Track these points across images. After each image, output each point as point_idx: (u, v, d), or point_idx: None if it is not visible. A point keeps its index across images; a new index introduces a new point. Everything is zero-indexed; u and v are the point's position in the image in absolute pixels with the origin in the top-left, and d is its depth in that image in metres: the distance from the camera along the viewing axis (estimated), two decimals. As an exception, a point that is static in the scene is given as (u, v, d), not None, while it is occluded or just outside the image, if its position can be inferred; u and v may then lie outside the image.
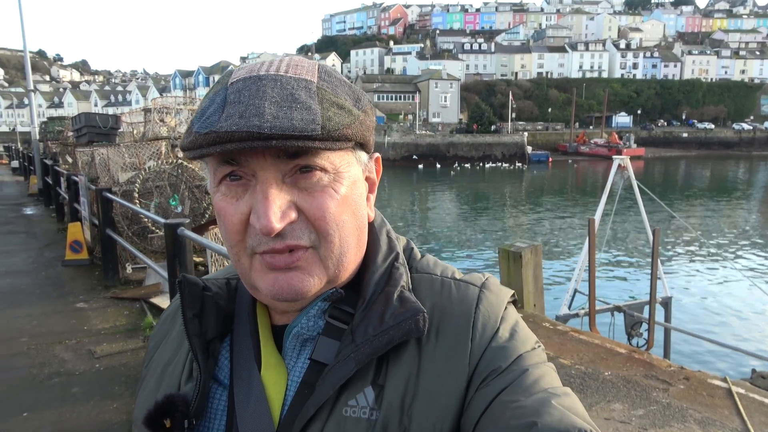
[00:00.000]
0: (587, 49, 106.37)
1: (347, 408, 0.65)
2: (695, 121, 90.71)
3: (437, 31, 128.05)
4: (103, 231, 6.63)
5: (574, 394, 0.65)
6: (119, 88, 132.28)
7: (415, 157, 63.79)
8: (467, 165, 62.83)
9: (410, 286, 0.73)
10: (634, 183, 9.56)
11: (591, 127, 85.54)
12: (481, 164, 63.30)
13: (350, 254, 0.69)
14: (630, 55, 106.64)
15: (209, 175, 0.68)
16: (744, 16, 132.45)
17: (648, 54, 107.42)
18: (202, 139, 0.60)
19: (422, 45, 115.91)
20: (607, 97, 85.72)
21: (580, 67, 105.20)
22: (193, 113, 9.19)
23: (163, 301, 5.81)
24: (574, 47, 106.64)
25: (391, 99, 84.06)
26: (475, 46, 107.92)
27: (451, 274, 0.76)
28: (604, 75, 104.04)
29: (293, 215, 0.63)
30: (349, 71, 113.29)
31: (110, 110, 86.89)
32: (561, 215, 31.40)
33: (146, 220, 6.48)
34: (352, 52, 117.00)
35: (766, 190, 45.78)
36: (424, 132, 70.22)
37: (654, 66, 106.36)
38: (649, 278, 8.24)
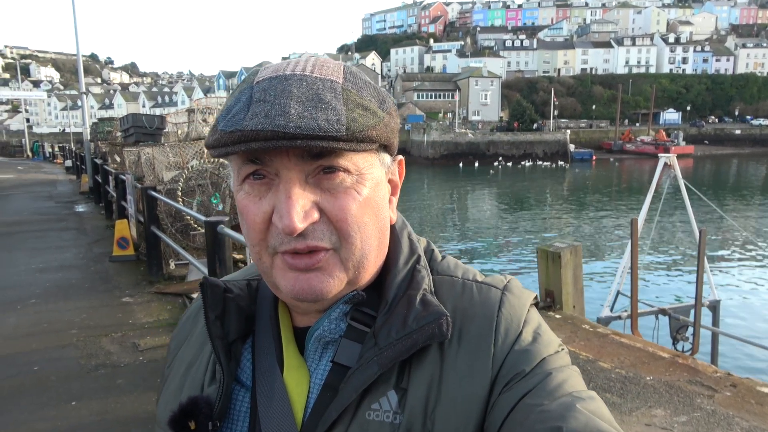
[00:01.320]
0: (634, 44, 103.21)
1: (370, 411, 0.65)
2: (749, 117, 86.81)
3: (478, 29, 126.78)
4: (148, 228, 6.86)
5: (600, 398, 0.64)
6: (166, 90, 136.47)
7: (445, 155, 63.36)
8: (508, 164, 61.96)
9: (432, 289, 0.72)
10: (681, 182, 9.23)
11: (637, 125, 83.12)
12: (522, 163, 62.31)
13: (371, 256, 0.69)
14: (679, 49, 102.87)
15: (233, 174, 0.69)
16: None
17: (698, 48, 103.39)
18: (227, 138, 0.61)
19: (462, 42, 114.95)
20: (655, 94, 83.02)
21: (627, 62, 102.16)
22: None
23: (204, 297, 5.97)
24: (620, 42, 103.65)
25: (431, 97, 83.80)
26: (517, 43, 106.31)
27: (473, 276, 0.76)
28: (652, 70, 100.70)
29: (315, 216, 0.64)
30: (389, 70, 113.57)
31: (157, 111, 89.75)
32: (604, 215, 30.62)
33: (189, 217, 6.67)
34: (392, 51, 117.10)
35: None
36: (463, 130, 69.64)
37: (705, 60, 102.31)
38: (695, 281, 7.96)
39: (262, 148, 0.60)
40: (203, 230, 6.76)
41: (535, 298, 0.75)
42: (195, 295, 6.19)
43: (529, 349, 0.67)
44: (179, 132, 8.95)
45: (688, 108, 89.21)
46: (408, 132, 67.69)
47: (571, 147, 66.44)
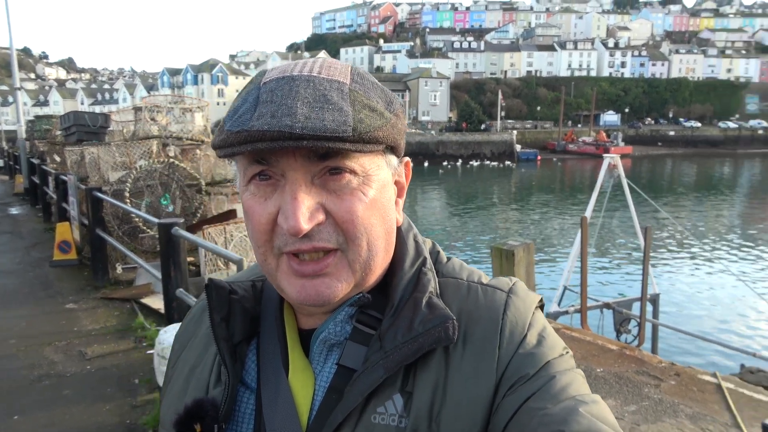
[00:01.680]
0: (576, 48, 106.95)
1: (376, 415, 0.65)
2: (682, 119, 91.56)
3: (427, 30, 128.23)
4: (92, 231, 6.57)
5: (603, 401, 0.64)
6: (106, 86, 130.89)
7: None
8: (457, 163, 63.00)
9: (438, 292, 0.72)
10: (624, 181, 9.64)
11: (579, 126, 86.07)
12: (470, 163, 63.48)
13: (378, 258, 0.69)
14: (618, 53, 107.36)
15: (238, 175, 0.69)
16: (731, 16, 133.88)
17: (636, 53, 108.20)
18: (234, 138, 0.60)
19: (412, 43, 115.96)
20: (596, 96, 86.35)
21: (569, 65, 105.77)
22: (184, 112, 9.04)
23: (154, 302, 5.78)
24: (563, 46, 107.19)
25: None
26: (465, 45, 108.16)
27: (478, 278, 0.76)
28: (593, 73, 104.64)
29: (321, 217, 0.63)
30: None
31: (97, 108, 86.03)
32: (550, 213, 31.61)
33: (137, 219, 6.43)
34: (342, 51, 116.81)
35: (751, 187, 46.33)
36: (413, 130, 70.23)
37: (642, 65, 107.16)
38: (638, 275, 8.33)
39: (268, 149, 0.59)
40: (153, 232, 6.55)
41: (540, 300, 0.75)
42: (145, 300, 6.01)
43: (534, 352, 0.67)
44: (124, 131, 8.63)
45: (627, 110, 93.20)
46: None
47: (518, 147, 68.20)
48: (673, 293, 15.10)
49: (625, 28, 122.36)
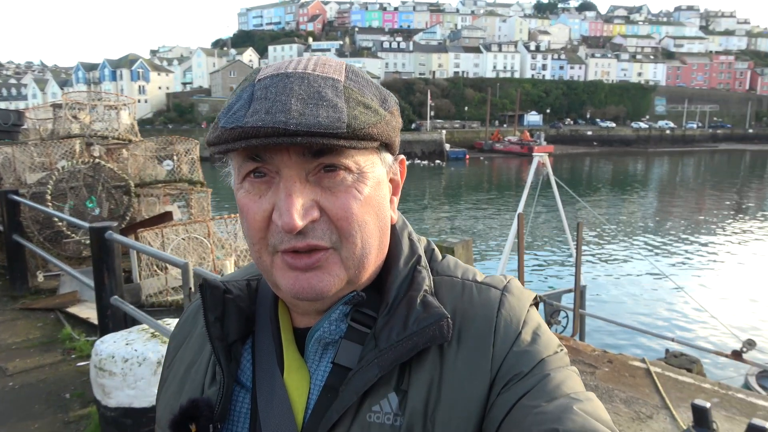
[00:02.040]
0: (500, 50, 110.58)
1: (371, 414, 0.64)
2: (598, 120, 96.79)
3: (356, 29, 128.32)
4: (9, 237, 6.08)
5: (598, 399, 0.64)
6: (12, 81, 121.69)
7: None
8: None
9: (433, 290, 0.72)
10: (552, 179, 10.07)
11: (505, 126, 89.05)
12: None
13: (372, 256, 0.69)
14: (539, 56, 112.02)
15: (233, 172, 0.68)
16: (640, 23, 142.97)
17: (555, 56, 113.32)
18: (228, 134, 0.60)
19: (341, 42, 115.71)
20: (519, 97, 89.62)
21: (494, 67, 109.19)
22: (108, 109, 8.53)
23: (81, 311, 5.43)
24: (488, 48, 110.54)
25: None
26: (394, 45, 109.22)
27: (472, 276, 0.75)
28: (517, 75, 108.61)
29: (315, 214, 0.63)
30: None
31: (2, 105, 79.82)
32: (481, 210, 32.51)
33: (60, 223, 6.02)
34: (270, 48, 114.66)
35: (661, 184, 49.81)
36: (345, 129, 70.04)
37: (561, 67, 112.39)
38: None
39: (262, 145, 0.59)
40: (78, 237, 6.15)
41: (535, 298, 0.75)
42: (71, 309, 5.63)
43: (528, 350, 0.67)
44: (41, 129, 8.04)
45: (548, 111, 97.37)
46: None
47: (447, 146, 69.66)
48: (596, 285, 15.95)
49: (546, 32, 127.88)
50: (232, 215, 5.23)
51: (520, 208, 9.95)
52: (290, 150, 0.62)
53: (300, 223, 0.61)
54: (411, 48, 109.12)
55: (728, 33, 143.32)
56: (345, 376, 0.66)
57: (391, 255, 0.74)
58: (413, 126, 75.24)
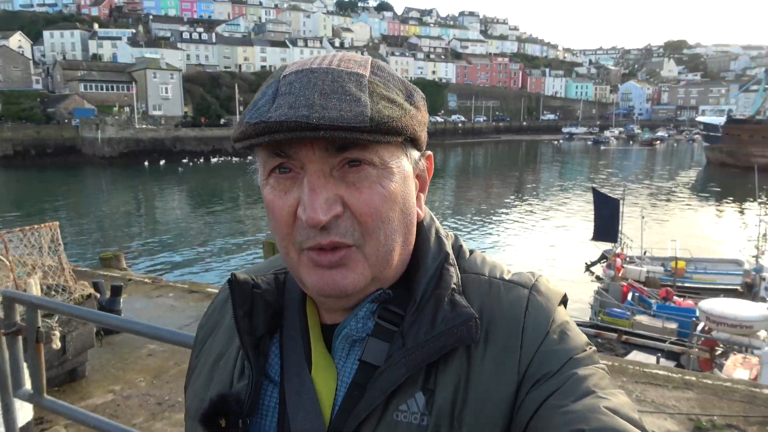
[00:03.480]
0: (307, 46, 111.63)
1: (398, 413, 0.64)
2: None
3: (150, 17, 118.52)
4: None
5: (627, 397, 0.64)
6: None
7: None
8: (198, 160, 60.20)
9: (461, 288, 0.71)
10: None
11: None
12: (212, 159, 61.30)
13: (396, 252, 0.68)
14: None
15: (259, 168, 0.69)
16: (431, 25, 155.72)
17: (359, 53, 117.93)
18: (252, 129, 0.61)
19: (134, 30, 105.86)
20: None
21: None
22: None
23: None
24: (294, 43, 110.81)
25: (102, 89, 74.93)
26: (195, 36, 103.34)
27: (500, 274, 0.75)
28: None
29: (339, 209, 0.63)
30: (43, 55, 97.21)
31: None
32: (298, 205, 32.55)
33: None
34: (46, 33, 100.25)
35: (458, 172, 55.25)
36: (145, 126, 64.61)
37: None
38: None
39: (285, 139, 0.60)
40: None
41: (564, 296, 0.74)
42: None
43: (556, 349, 0.66)
44: None
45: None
46: (77, 128, 59.36)
47: (259, 141, 68.32)
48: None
49: (349, 30, 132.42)
50: (35, 226, 4.53)
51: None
52: (314, 145, 0.61)
53: (323, 217, 0.61)
54: (214, 40, 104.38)
55: (503, 38, 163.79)
56: (372, 373, 0.66)
57: (418, 252, 0.73)
58: (222, 121, 72.31)
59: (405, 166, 0.68)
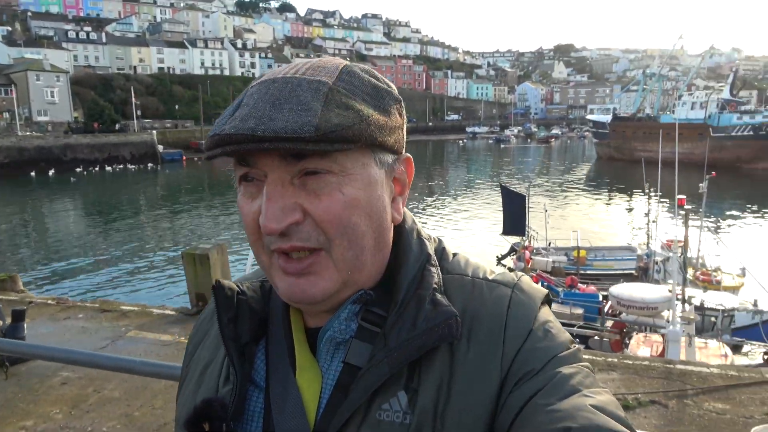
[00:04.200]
0: (207, 47, 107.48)
1: (381, 412, 0.65)
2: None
3: (29, 13, 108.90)
4: None
5: (612, 395, 0.64)
6: None
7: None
8: (92, 169, 56.11)
9: (442, 289, 0.72)
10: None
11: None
12: (108, 167, 57.38)
13: (365, 257, 0.69)
14: (247, 54, 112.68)
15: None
16: (335, 27, 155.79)
17: (263, 54, 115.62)
18: (209, 142, 0.63)
19: (10, 28, 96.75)
20: (232, 95, 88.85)
21: (202, 63, 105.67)
22: None
23: None
24: (193, 44, 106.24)
25: (-25, 93, 67.86)
26: (82, 35, 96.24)
27: (483, 274, 0.75)
28: (226, 73, 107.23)
29: (297, 216, 0.64)
30: None
31: None
32: (207, 213, 31.39)
33: None
34: None
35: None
36: (29, 133, 59.27)
37: (269, 66, 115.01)
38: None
39: (234, 151, 0.62)
40: None
41: (547, 295, 0.75)
42: None
43: (540, 347, 0.66)
44: None
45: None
46: (-53, 137, 53.26)
47: (160, 148, 64.90)
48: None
49: (251, 31, 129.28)
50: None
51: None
52: (273, 154, 0.63)
53: (277, 225, 0.63)
54: (104, 40, 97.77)
55: (406, 40, 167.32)
56: (356, 375, 0.67)
57: (400, 254, 0.74)
58: (117, 127, 67.89)
59: (371, 172, 0.68)
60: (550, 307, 0.75)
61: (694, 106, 56.51)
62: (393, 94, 0.72)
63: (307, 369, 0.71)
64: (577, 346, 0.70)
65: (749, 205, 32.34)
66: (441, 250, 0.79)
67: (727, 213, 29.95)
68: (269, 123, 0.60)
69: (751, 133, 50.56)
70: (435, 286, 0.71)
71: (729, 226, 26.50)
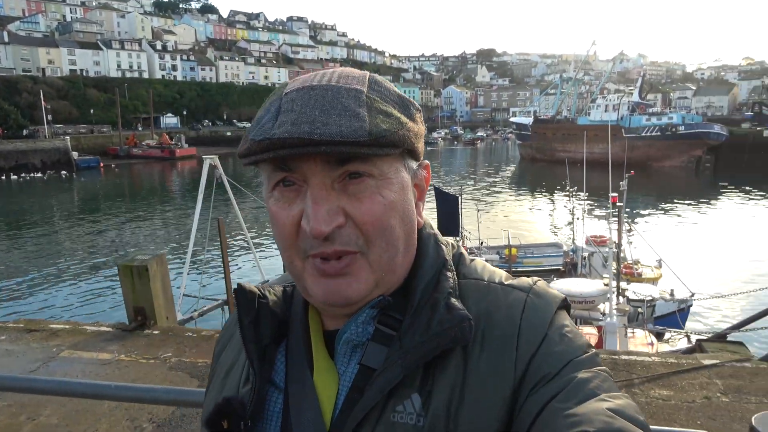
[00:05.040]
0: (123, 48, 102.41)
1: (395, 413, 0.66)
2: (235, 120, 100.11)
3: None
4: None
5: (631, 399, 0.64)
6: None
7: None
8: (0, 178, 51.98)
9: (458, 293, 0.73)
10: (225, 179, 10.04)
11: (141, 129, 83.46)
12: (16, 176, 53.30)
13: (398, 259, 0.71)
14: (168, 56, 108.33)
15: (264, 182, 0.72)
16: (260, 29, 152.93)
17: (185, 57, 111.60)
18: (257, 146, 0.64)
19: None
20: (152, 98, 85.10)
21: (119, 66, 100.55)
22: None
23: None
24: (108, 45, 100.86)
25: None
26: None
27: (499, 279, 0.76)
28: (145, 75, 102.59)
29: (341, 219, 0.66)
30: None
31: None
32: (129, 223, 29.87)
33: None
34: None
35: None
36: None
37: (192, 69, 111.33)
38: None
39: (289, 155, 0.63)
40: None
41: (564, 300, 0.75)
42: None
43: (555, 351, 0.67)
44: None
45: (185, 112, 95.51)
46: None
47: (75, 154, 61.04)
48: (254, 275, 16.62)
49: (171, 32, 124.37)
50: None
51: (197, 213, 9.60)
52: (316, 159, 0.64)
53: (326, 228, 0.64)
54: (6, 39, 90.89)
55: (332, 43, 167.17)
56: (371, 376, 0.68)
57: (417, 259, 0.75)
58: (25, 133, 63.32)
59: (403, 177, 0.71)
60: (568, 312, 0.76)
61: (607, 109, 60.08)
62: (415, 102, 0.74)
63: (325, 370, 0.72)
64: (594, 350, 0.70)
65: (659, 202, 34.74)
66: (458, 255, 0.81)
67: (641, 208, 32.01)
68: (323, 127, 0.61)
69: (659, 133, 54.42)
70: (450, 290, 0.72)
71: (646, 222, 28.30)
